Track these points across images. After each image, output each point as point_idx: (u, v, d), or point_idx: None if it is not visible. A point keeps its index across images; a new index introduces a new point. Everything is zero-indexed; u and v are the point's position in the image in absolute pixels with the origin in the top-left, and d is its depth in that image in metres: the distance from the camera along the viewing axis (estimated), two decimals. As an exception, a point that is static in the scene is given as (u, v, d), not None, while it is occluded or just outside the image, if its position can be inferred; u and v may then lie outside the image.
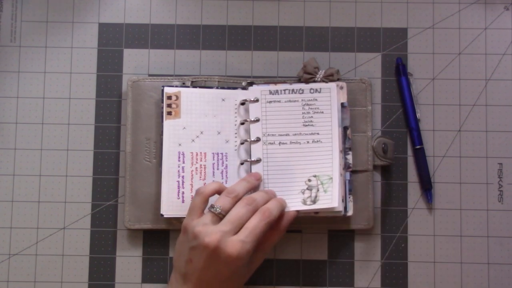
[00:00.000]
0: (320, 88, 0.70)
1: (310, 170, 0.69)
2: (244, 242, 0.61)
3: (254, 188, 0.68)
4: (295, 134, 0.70)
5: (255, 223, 0.62)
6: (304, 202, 0.67)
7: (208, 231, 0.61)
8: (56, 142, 0.73)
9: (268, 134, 0.70)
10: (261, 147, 0.70)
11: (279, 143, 0.70)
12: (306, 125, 0.69)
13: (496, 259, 0.72)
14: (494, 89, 0.74)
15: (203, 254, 0.61)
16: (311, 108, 0.70)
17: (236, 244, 0.60)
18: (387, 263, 0.72)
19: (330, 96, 0.70)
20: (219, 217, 0.63)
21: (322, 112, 0.69)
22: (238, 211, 0.63)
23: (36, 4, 0.75)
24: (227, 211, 0.63)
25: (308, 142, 0.69)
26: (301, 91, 0.70)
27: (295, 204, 0.67)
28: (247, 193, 0.66)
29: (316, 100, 0.70)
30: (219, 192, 0.65)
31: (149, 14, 0.75)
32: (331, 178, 0.68)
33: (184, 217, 0.66)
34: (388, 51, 0.74)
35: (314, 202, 0.67)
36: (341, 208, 0.67)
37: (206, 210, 0.64)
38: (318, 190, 0.68)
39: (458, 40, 0.75)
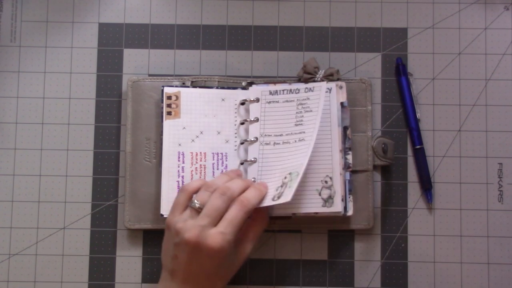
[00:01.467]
0: (313, 87, 0.70)
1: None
2: (224, 233, 0.61)
3: None
4: (287, 134, 0.69)
5: (233, 214, 0.62)
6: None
7: (188, 226, 0.61)
8: (56, 142, 0.73)
9: (265, 134, 0.70)
10: (257, 147, 0.70)
11: (274, 143, 0.69)
12: (297, 125, 0.69)
13: (496, 259, 0.72)
14: (494, 89, 0.74)
15: (186, 250, 0.61)
16: (304, 107, 0.69)
17: (216, 236, 0.60)
18: (387, 263, 0.72)
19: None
20: (198, 211, 0.63)
21: (311, 111, 0.69)
22: (214, 203, 0.62)
23: (36, 4, 0.75)
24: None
25: (295, 141, 0.69)
26: (297, 91, 0.70)
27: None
28: None
29: (308, 99, 0.69)
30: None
31: (149, 14, 0.75)
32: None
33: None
34: (388, 51, 0.74)
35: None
36: (340, 209, 0.67)
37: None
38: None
39: (458, 40, 0.75)
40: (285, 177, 0.67)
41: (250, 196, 0.64)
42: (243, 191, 0.65)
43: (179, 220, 0.63)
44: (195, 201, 0.63)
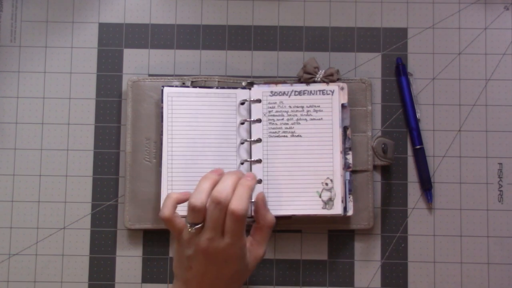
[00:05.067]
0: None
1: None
2: (234, 245, 0.60)
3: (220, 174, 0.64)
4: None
5: (231, 226, 0.59)
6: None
7: (196, 241, 0.60)
8: (56, 142, 0.73)
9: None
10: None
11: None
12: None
13: (496, 259, 0.72)
14: (494, 89, 0.74)
15: (202, 261, 0.60)
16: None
17: (228, 247, 0.59)
18: (387, 263, 0.72)
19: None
20: (199, 229, 0.60)
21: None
22: (211, 215, 0.60)
23: (36, 4, 0.75)
24: (202, 221, 0.60)
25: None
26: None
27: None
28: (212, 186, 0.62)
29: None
30: (184, 200, 0.63)
31: (149, 14, 0.75)
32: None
33: (184, 217, 0.66)
34: (388, 51, 0.74)
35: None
36: (340, 211, 0.68)
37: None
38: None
39: (458, 40, 0.75)
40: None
41: (238, 204, 0.60)
42: (233, 190, 0.61)
43: (185, 233, 0.61)
44: (190, 225, 0.60)
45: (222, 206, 0.59)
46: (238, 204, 0.59)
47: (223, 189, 0.60)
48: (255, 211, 0.65)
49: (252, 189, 0.62)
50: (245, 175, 0.63)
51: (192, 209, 0.60)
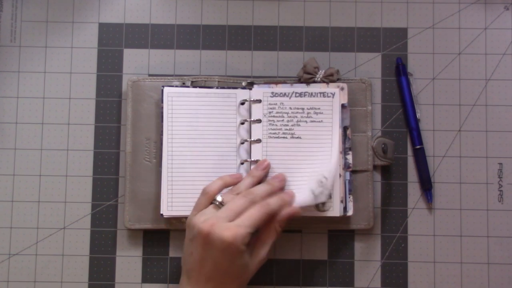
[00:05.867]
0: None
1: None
2: (239, 226, 0.60)
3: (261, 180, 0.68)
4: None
5: (252, 212, 0.62)
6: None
7: (203, 218, 0.62)
8: (56, 142, 0.73)
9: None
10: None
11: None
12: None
13: (496, 259, 0.72)
14: (494, 89, 0.74)
15: (199, 243, 0.61)
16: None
17: (231, 228, 0.60)
18: (387, 263, 0.72)
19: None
20: (219, 207, 0.63)
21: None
22: (235, 201, 0.63)
23: (36, 4, 0.75)
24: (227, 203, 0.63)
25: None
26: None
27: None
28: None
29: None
30: (225, 187, 0.66)
31: (149, 14, 0.75)
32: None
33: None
34: (388, 51, 0.74)
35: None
36: (338, 213, 0.68)
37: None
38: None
39: (458, 40, 0.75)
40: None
41: (272, 202, 0.64)
42: (267, 196, 0.65)
43: (196, 216, 0.63)
44: (218, 197, 0.64)
45: (248, 199, 0.63)
46: (272, 202, 0.64)
47: (259, 188, 0.66)
48: (282, 214, 0.65)
49: (285, 204, 0.66)
50: (285, 191, 0.67)
51: (231, 191, 0.66)
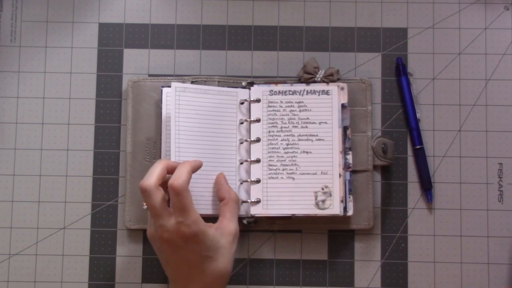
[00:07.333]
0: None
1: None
2: (182, 222, 0.61)
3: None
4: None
5: (174, 202, 0.61)
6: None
7: (148, 230, 0.65)
8: (56, 142, 0.73)
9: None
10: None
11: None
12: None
13: (496, 259, 0.72)
14: (494, 89, 0.74)
15: (168, 250, 0.63)
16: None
17: (178, 225, 0.61)
18: (387, 263, 0.72)
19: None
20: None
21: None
22: (153, 204, 0.62)
23: (36, 4, 0.75)
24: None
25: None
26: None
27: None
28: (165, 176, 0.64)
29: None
30: (164, 175, 0.64)
31: (149, 14, 0.75)
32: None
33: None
34: (388, 51, 0.74)
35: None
36: (338, 212, 0.68)
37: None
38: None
39: (458, 40, 0.75)
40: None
41: (176, 177, 0.62)
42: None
43: (147, 228, 0.66)
44: (144, 206, 0.64)
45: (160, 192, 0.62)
46: (175, 178, 0.61)
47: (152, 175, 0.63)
48: (218, 189, 0.67)
49: (192, 167, 0.63)
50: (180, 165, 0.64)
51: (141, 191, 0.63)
